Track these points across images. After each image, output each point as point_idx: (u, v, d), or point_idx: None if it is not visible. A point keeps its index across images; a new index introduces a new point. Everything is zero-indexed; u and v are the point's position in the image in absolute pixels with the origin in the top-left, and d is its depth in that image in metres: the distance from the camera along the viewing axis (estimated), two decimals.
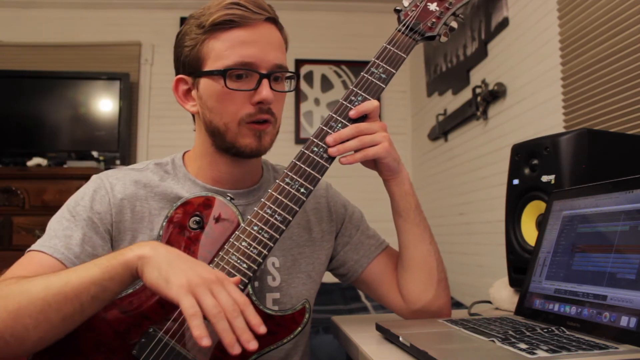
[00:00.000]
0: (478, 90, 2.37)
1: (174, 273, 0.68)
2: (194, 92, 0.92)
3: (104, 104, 3.18)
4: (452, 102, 2.77)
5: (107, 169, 2.91)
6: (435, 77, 3.03)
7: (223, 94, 0.86)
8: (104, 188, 0.89)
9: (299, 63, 3.52)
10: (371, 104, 0.87)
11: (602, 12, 1.49)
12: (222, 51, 0.86)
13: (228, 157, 0.92)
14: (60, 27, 3.38)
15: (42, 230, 0.89)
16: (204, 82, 0.89)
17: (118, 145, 3.12)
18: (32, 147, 3.02)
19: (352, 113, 0.87)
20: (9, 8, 3.39)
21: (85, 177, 0.94)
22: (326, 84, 3.55)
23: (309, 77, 3.54)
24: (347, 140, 0.85)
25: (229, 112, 0.87)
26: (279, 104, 0.92)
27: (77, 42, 3.36)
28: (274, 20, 0.91)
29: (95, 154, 3.02)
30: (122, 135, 3.14)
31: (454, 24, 0.95)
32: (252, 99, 0.87)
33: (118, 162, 3.07)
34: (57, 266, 0.81)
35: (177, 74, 0.94)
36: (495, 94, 2.21)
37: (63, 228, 0.85)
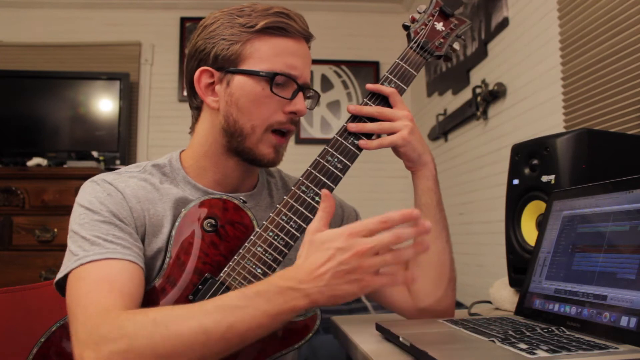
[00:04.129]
0: (478, 90, 2.37)
1: (332, 285, 0.66)
2: (218, 87, 0.88)
3: (104, 104, 3.18)
4: (452, 102, 2.77)
5: (107, 168, 2.93)
6: (435, 77, 3.03)
7: (261, 97, 0.86)
8: (118, 192, 0.85)
9: None
10: (388, 88, 0.91)
11: (602, 12, 1.49)
12: (267, 55, 0.86)
13: (236, 159, 0.91)
14: (60, 27, 3.38)
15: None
16: (239, 80, 0.87)
17: (118, 145, 3.12)
18: (32, 147, 3.02)
19: (370, 86, 0.91)
20: (9, 8, 3.39)
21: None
22: (326, 84, 3.55)
23: None
24: (369, 121, 0.90)
25: (260, 116, 0.87)
26: None
27: (77, 42, 3.36)
28: (309, 40, 0.93)
29: (95, 154, 3.02)
30: (122, 135, 3.14)
31: (457, 46, 0.99)
32: (286, 108, 0.88)
33: (118, 162, 3.07)
34: (130, 267, 0.77)
35: (197, 64, 0.89)
36: (495, 94, 2.21)
37: (106, 232, 0.80)
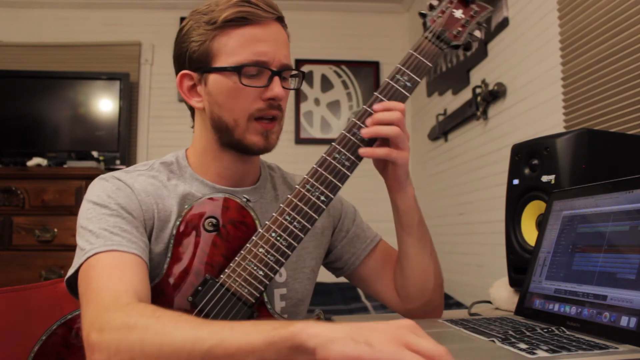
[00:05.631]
0: (478, 90, 2.37)
1: (372, 336, 0.54)
2: (199, 88, 0.90)
3: (104, 104, 3.18)
4: (452, 102, 2.77)
5: (107, 168, 2.93)
6: (435, 77, 3.03)
7: (235, 90, 0.86)
8: (127, 187, 0.85)
9: (299, 63, 3.52)
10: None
11: (602, 12, 1.49)
12: (234, 48, 0.86)
13: (232, 153, 0.91)
14: (60, 27, 3.38)
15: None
16: (213, 78, 0.88)
17: (118, 145, 3.12)
18: (32, 147, 3.02)
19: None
20: (9, 8, 3.39)
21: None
22: (326, 84, 3.55)
23: (309, 77, 3.53)
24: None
25: (239, 108, 0.87)
26: (284, 100, 0.92)
27: (77, 42, 3.36)
28: (281, 20, 0.91)
29: (95, 154, 3.02)
30: (122, 135, 3.14)
31: (478, 34, 0.92)
32: (264, 95, 0.87)
33: (118, 162, 3.07)
34: (136, 261, 0.77)
35: (179, 70, 0.92)
36: (495, 94, 2.21)
37: (113, 224, 0.80)
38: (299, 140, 3.45)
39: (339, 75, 3.56)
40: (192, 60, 0.89)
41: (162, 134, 3.34)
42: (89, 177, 2.64)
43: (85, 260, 0.77)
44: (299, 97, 3.51)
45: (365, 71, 3.56)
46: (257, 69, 0.86)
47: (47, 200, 2.63)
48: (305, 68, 3.53)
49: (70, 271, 0.80)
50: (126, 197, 0.84)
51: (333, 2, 3.56)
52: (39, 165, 2.78)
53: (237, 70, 0.85)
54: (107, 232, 0.78)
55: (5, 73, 3.11)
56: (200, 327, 0.62)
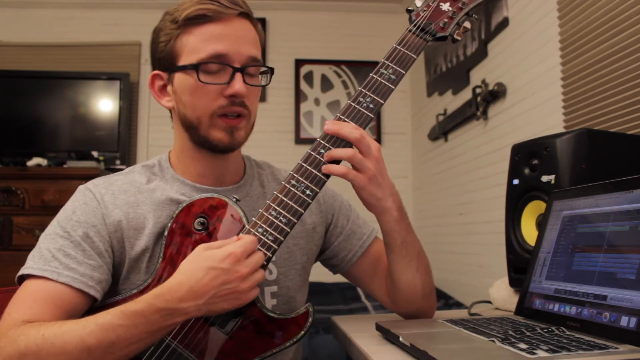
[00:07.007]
0: (478, 90, 2.37)
1: (217, 299, 0.73)
2: (169, 88, 0.91)
3: (104, 104, 3.18)
4: (452, 102, 2.77)
5: (107, 169, 2.93)
6: (435, 77, 3.03)
7: (196, 88, 0.86)
8: (95, 200, 0.87)
9: (299, 63, 3.52)
10: (352, 132, 0.83)
11: (602, 12, 1.49)
12: (195, 45, 0.86)
13: (206, 151, 0.92)
14: (60, 27, 3.38)
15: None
16: (178, 77, 0.89)
17: (118, 145, 3.12)
18: (32, 147, 3.02)
19: (329, 129, 0.83)
20: (9, 8, 3.39)
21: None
22: (326, 84, 3.55)
23: (309, 77, 3.53)
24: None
25: (201, 106, 0.87)
26: (253, 97, 0.91)
27: (77, 42, 3.36)
28: (248, 16, 0.90)
29: (95, 154, 3.02)
30: (122, 135, 3.14)
31: (468, 24, 0.92)
32: (225, 92, 0.87)
33: (118, 162, 3.07)
34: (64, 292, 0.78)
35: (153, 70, 0.93)
36: (495, 94, 2.21)
37: (59, 247, 0.82)
38: (299, 140, 3.45)
39: (339, 75, 3.56)
40: (160, 60, 0.90)
41: (162, 134, 3.34)
42: (89, 177, 2.63)
43: (24, 275, 0.81)
44: (299, 97, 3.51)
45: (365, 71, 3.56)
46: (218, 65, 0.86)
47: (47, 200, 2.63)
48: (305, 68, 3.53)
49: (18, 274, 0.83)
50: (90, 213, 0.86)
51: (333, 2, 3.56)
52: (39, 165, 2.78)
53: (195, 67, 0.85)
54: (50, 255, 0.81)
55: (5, 73, 3.11)
56: (86, 335, 0.72)
